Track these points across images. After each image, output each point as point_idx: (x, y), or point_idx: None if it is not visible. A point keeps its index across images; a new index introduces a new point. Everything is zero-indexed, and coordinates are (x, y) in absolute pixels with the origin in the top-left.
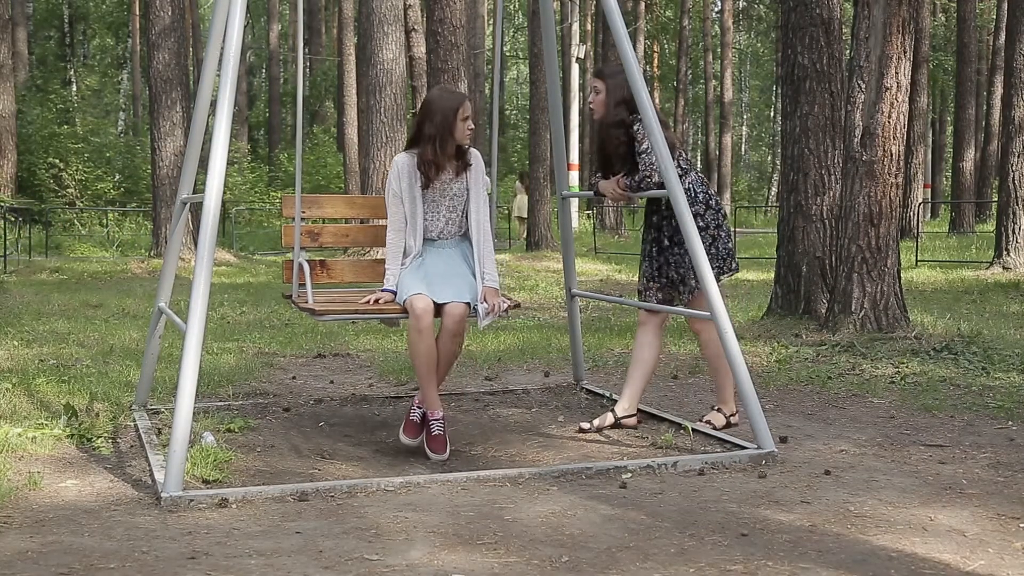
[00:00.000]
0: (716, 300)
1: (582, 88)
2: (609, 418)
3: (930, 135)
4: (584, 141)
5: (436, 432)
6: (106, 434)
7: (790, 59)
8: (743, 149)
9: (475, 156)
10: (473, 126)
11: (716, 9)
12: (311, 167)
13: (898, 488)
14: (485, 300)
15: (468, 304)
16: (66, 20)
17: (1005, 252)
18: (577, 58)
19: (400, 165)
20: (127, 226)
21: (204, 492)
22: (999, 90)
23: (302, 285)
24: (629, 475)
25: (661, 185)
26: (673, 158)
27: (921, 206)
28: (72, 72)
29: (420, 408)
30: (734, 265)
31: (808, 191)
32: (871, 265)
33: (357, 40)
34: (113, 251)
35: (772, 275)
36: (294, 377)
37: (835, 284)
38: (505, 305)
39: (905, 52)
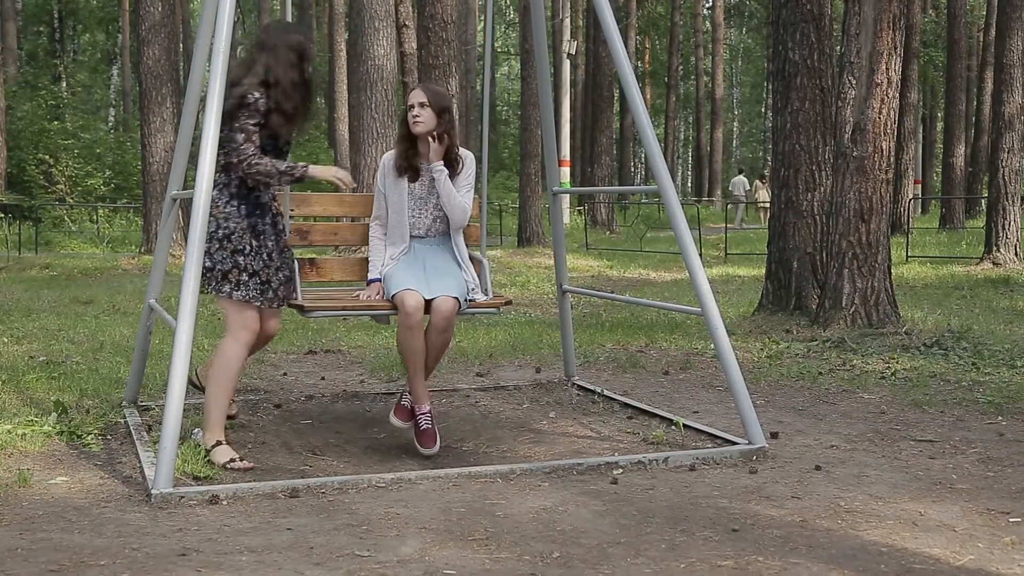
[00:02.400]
0: (707, 297)
1: (573, 84)
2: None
3: (920, 131)
4: (575, 137)
5: (424, 427)
6: (96, 431)
7: (781, 55)
8: (734, 145)
9: (468, 157)
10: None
11: (707, 5)
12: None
13: (888, 483)
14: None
15: (456, 299)
16: (56, 15)
17: (995, 247)
18: (568, 54)
19: (386, 163)
20: (117, 222)
21: (195, 489)
22: (989, 86)
23: None
24: (620, 471)
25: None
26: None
27: (912, 202)
28: (62, 68)
29: (410, 395)
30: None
31: (799, 187)
32: (861, 261)
33: (348, 36)
34: (103, 247)
35: (763, 271)
36: (285, 373)
37: (826, 280)
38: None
39: (896, 48)
